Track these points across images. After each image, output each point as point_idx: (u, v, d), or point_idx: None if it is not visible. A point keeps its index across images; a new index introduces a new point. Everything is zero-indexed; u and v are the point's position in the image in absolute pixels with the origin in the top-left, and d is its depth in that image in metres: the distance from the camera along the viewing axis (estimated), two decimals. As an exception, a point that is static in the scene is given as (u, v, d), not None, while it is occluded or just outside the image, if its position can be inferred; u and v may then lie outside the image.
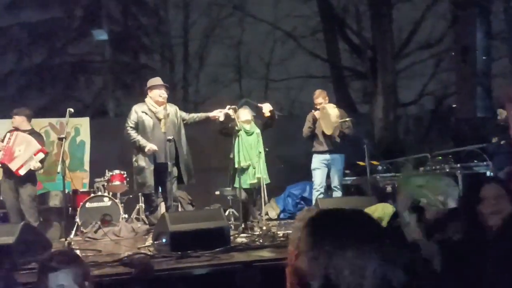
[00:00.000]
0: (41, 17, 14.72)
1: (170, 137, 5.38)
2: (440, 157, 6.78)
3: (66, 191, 5.88)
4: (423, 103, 15.78)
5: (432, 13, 13.95)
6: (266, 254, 4.13)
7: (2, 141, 5.77)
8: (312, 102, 6.31)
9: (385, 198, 6.58)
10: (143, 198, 6.21)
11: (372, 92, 13.19)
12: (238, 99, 16.44)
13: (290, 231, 4.89)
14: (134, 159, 5.53)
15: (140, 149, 5.42)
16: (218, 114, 5.71)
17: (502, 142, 5.99)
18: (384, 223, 3.80)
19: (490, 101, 8.79)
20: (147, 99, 5.64)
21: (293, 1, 16.51)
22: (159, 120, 5.53)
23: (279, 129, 8.38)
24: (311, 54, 16.32)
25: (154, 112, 5.54)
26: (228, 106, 5.78)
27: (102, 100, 15.05)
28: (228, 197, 6.86)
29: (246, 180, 5.84)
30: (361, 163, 6.84)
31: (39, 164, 5.75)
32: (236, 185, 5.89)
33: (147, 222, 5.99)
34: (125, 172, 6.62)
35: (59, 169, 4.94)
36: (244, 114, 5.93)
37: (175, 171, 5.53)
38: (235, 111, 5.78)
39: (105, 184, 6.68)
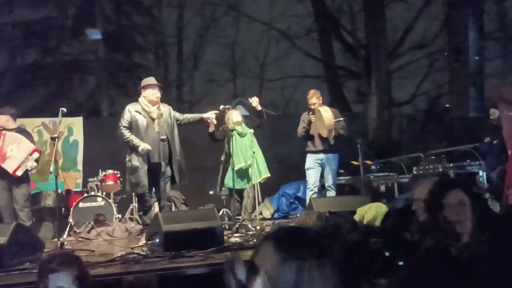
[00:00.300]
0: (34, 16, 14.65)
1: (164, 137, 5.37)
2: (433, 157, 6.81)
3: (59, 191, 5.84)
4: (416, 103, 15.88)
5: (426, 14, 14.04)
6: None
7: None
8: (307, 102, 6.31)
9: (379, 197, 6.62)
10: (136, 198, 6.19)
11: (366, 91, 13.24)
12: (233, 99, 16.48)
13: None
14: (127, 159, 5.51)
15: (134, 149, 5.41)
16: (212, 115, 5.70)
17: (494, 142, 6.03)
18: (377, 223, 3.82)
19: (483, 101, 8.84)
20: (141, 99, 5.62)
21: (287, 1, 16.57)
22: (153, 119, 5.52)
23: (274, 129, 8.40)
24: (306, 53, 16.38)
25: (148, 111, 5.53)
26: (221, 106, 5.78)
27: (96, 99, 15.00)
28: (222, 197, 6.85)
29: (240, 182, 5.86)
30: (355, 162, 6.85)
31: (35, 164, 5.73)
32: (226, 186, 5.91)
33: (140, 222, 5.98)
34: (118, 172, 6.60)
35: (51, 168, 4.90)
36: (235, 116, 5.93)
37: (168, 171, 5.52)
38: (228, 110, 5.79)
39: (99, 184, 6.65)
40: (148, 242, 4.53)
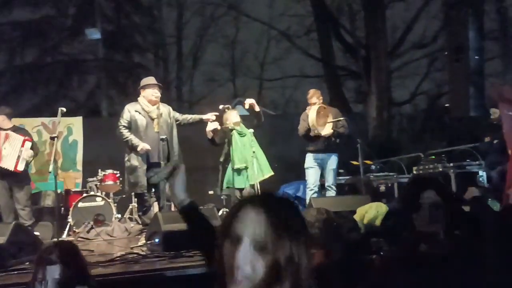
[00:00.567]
0: (34, 15, 14.64)
1: (164, 137, 5.36)
2: (433, 156, 6.80)
3: (59, 191, 5.83)
4: (416, 103, 15.89)
5: (426, 13, 14.03)
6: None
7: None
8: (307, 101, 6.30)
9: (379, 197, 6.60)
10: (135, 198, 6.18)
11: (365, 91, 13.23)
12: (233, 99, 16.46)
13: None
14: (126, 159, 5.50)
15: (133, 148, 5.39)
16: (212, 117, 5.69)
17: (494, 141, 6.02)
18: (377, 222, 3.81)
19: (483, 100, 8.84)
20: (140, 98, 5.61)
21: (287, 1, 16.56)
22: (152, 119, 5.51)
23: (274, 128, 8.40)
24: (305, 53, 16.38)
25: (147, 111, 5.52)
26: (221, 106, 5.76)
27: (95, 99, 14.98)
28: (222, 197, 6.84)
29: (241, 181, 5.84)
30: (354, 162, 6.84)
31: (31, 152, 5.73)
32: (226, 186, 5.89)
33: (140, 222, 5.96)
34: (118, 172, 6.58)
35: (50, 168, 4.88)
36: (234, 116, 5.92)
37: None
38: (228, 109, 5.78)
39: (98, 183, 6.63)
40: (148, 242, 4.52)
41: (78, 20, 14.72)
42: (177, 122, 5.74)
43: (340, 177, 7.35)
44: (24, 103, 13.87)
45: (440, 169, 6.19)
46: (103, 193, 6.51)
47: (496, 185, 5.53)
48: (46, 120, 8.21)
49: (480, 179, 6.01)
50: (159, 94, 5.61)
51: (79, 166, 8.12)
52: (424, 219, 1.92)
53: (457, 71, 9.27)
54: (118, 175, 6.59)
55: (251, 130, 5.96)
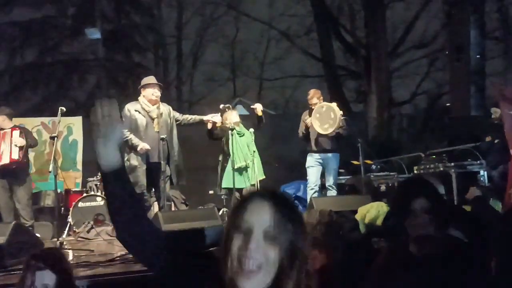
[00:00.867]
0: (34, 15, 14.62)
1: (163, 136, 5.34)
2: (434, 156, 6.79)
3: (59, 190, 5.83)
4: (416, 102, 15.87)
5: (426, 13, 14.02)
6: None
7: None
8: (307, 101, 6.29)
9: (379, 197, 6.58)
10: (136, 197, 6.16)
11: (366, 91, 13.22)
12: (233, 98, 16.46)
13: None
14: (126, 158, 5.47)
15: (133, 148, 5.37)
16: (212, 118, 5.69)
17: (495, 141, 6.01)
18: (378, 222, 3.80)
19: (483, 100, 8.82)
20: (141, 98, 5.59)
21: (287, 1, 16.57)
22: (152, 119, 5.48)
23: (274, 128, 8.38)
24: (306, 53, 16.36)
25: (147, 111, 5.50)
26: (221, 105, 5.76)
27: (95, 99, 14.95)
28: (222, 197, 6.82)
29: (241, 181, 5.83)
30: (355, 162, 6.83)
31: (20, 139, 5.75)
32: (225, 185, 5.89)
33: (140, 222, 5.94)
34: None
35: (50, 168, 4.88)
36: (233, 116, 5.93)
37: (168, 170, 5.50)
38: (229, 109, 5.79)
39: (98, 183, 6.62)
40: (148, 241, 4.50)
41: (78, 20, 14.70)
42: (177, 122, 5.73)
43: (341, 177, 7.33)
44: (24, 103, 13.86)
45: (441, 169, 6.18)
46: (103, 192, 6.50)
47: (498, 184, 5.52)
48: (46, 120, 8.20)
49: (481, 178, 6.00)
50: (159, 94, 5.59)
51: (79, 166, 8.11)
52: (416, 224, 1.94)
53: (457, 71, 9.26)
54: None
55: (251, 130, 5.96)
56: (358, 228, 3.96)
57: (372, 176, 7.39)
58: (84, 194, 6.37)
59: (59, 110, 5.09)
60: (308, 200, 5.92)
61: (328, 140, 6.10)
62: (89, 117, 1.33)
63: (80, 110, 12.49)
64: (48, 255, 2.29)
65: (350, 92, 16.27)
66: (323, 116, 5.97)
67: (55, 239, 4.83)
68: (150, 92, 5.53)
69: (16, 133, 5.78)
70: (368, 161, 7.73)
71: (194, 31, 17.96)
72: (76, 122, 8.28)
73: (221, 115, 5.87)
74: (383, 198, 6.51)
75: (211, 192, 7.05)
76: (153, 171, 5.39)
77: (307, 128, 6.11)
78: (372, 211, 3.85)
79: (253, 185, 5.89)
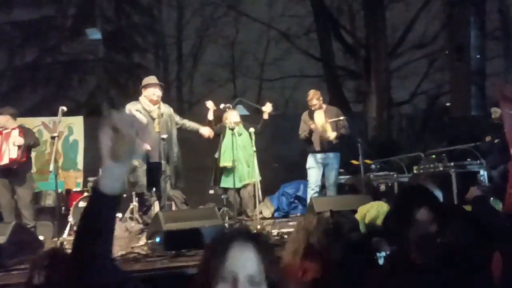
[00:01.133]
0: (34, 15, 14.61)
1: (164, 136, 5.35)
2: (434, 156, 6.78)
3: (59, 190, 5.83)
4: (416, 103, 15.86)
5: (426, 13, 14.02)
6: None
7: None
8: (306, 102, 6.29)
9: (379, 196, 6.58)
10: (136, 197, 6.17)
11: (365, 91, 13.22)
12: (233, 99, 16.44)
13: (285, 230, 4.88)
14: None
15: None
16: (208, 133, 5.76)
17: (496, 141, 6.01)
18: (378, 222, 3.80)
19: (484, 99, 8.82)
20: (141, 98, 5.60)
21: (287, 1, 16.54)
22: (153, 119, 5.50)
23: (273, 128, 8.37)
24: (305, 53, 16.35)
25: (148, 111, 5.51)
26: (222, 105, 5.77)
27: (96, 99, 14.96)
28: (222, 196, 6.83)
29: (227, 181, 5.89)
30: (355, 162, 6.83)
31: (19, 138, 5.75)
32: (223, 185, 5.92)
33: (140, 222, 5.96)
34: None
35: (51, 168, 4.88)
36: (233, 116, 5.95)
37: (168, 170, 5.51)
38: (229, 109, 5.81)
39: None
40: (149, 241, 4.51)
41: (78, 20, 14.69)
42: (177, 126, 5.75)
43: (340, 177, 7.33)
44: (24, 103, 13.84)
45: (441, 169, 6.19)
46: (82, 215, 6.48)
47: (498, 184, 5.52)
48: (46, 119, 8.21)
49: (481, 178, 6.00)
50: (160, 94, 5.60)
51: (80, 166, 8.12)
52: (419, 234, 1.94)
53: (458, 71, 9.25)
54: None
55: (252, 130, 5.97)
56: (358, 228, 3.96)
57: (371, 176, 7.40)
58: (85, 194, 6.37)
59: (60, 109, 5.09)
60: (308, 200, 5.93)
61: (329, 140, 6.11)
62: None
63: (81, 110, 12.52)
64: (55, 254, 2.30)
65: (349, 92, 16.26)
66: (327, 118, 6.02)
67: (56, 239, 4.83)
68: (151, 92, 5.54)
69: (15, 132, 5.79)
70: (368, 161, 7.74)
71: (194, 31, 17.96)
72: (77, 122, 8.29)
73: (221, 115, 5.90)
74: (383, 198, 6.52)
75: (211, 192, 7.05)
76: (153, 171, 5.40)
77: (311, 131, 6.08)
78: (372, 211, 3.85)
79: (246, 185, 5.94)
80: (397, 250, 2.06)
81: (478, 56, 8.92)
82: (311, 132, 6.09)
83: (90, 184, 6.79)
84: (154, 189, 5.66)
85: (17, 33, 14.57)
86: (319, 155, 6.17)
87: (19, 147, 5.73)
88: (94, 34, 13.54)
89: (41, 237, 4.97)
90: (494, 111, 6.02)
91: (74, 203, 6.19)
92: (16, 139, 5.74)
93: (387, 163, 8.45)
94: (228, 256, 1.13)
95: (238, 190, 6.08)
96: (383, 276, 2.05)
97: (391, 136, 12.20)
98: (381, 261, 2.51)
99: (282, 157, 8.34)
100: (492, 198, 3.97)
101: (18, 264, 3.84)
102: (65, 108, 5.11)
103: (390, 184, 7.32)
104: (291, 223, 5.77)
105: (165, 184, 5.36)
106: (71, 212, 6.09)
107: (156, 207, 5.77)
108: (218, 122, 6.11)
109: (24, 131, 5.91)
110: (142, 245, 4.60)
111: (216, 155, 6.08)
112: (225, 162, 5.83)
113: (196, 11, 17.46)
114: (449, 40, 10.04)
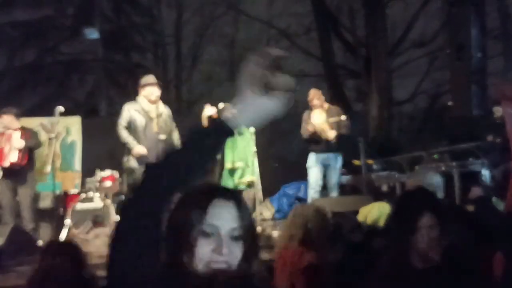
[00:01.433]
0: (33, 15, 14.58)
1: (163, 137, 5.29)
2: (436, 155, 6.75)
3: (57, 191, 5.79)
4: (416, 102, 15.84)
5: (426, 11, 13.98)
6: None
7: None
8: (307, 101, 6.25)
9: (381, 197, 6.55)
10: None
11: (366, 90, 13.19)
12: (232, 98, 16.39)
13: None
14: (125, 160, 5.43)
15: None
16: None
17: (497, 140, 5.98)
18: (380, 222, 3.76)
19: (485, 98, 8.77)
20: (140, 98, 5.54)
21: (287, 0, 16.49)
22: (151, 119, 5.44)
23: (273, 128, 8.32)
24: (305, 52, 16.29)
25: (146, 110, 5.45)
26: (221, 104, 5.73)
27: (95, 99, 14.94)
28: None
29: (240, 180, 5.83)
30: (356, 162, 6.79)
31: (20, 141, 5.71)
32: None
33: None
34: (117, 173, 6.53)
35: (49, 169, 4.85)
36: None
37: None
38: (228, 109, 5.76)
39: (97, 184, 6.58)
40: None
41: (77, 20, 14.67)
42: None
43: (342, 177, 7.30)
44: (24, 103, 13.80)
45: (443, 168, 6.15)
46: (102, 194, 6.45)
47: (500, 183, 5.48)
48: (44, 120, 8.16)
49: (483, 178, 5.96)
50: (158, 93, 5.54)
51: (78, 167, 8.07)
52: (422, 240, 1.90)
53: (459, 69, 9.20)
54: (117, 176, 6.54)
55: (252, 130, 5.93)
56: (359, 228, 3.93)
57: (373, 176, 7.36)
58: (83, 195, 6.33)
59: (57, 109, 5.05)
60: (309, 200, 5.89)
61: (330, 140, 6.07)
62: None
63: (79, 110, 12.47)
64: (65, 245, 2.32)
65: (350, 91, 16.22)
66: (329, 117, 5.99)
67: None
68: (150, 91, 5.48)
69: (17, 135, 5.74)
70: (369, 161, 7.70)
71: (193, 31, 17.91)
72: (75, 123, 8.24)
73: (219, 115, 5.85)
74: (385, 198, 6.49)
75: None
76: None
77: (314, 131, 6.03)
78: (373, 212, 3.82)
79: (246, 186, 5.91)
80: (397, 253, 2.02)
81: (479, 55, 8.87)
82: (314, 131, 6.06)
83: (88, 185, 6.75)
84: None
85: (17, 33, 14.54)
86: (320, 155, 6.12)
87: (19, 150, 5.69)
88: (93, 33, 13.53)
89: (40, 242, 4.94)
90: (496, 110, 5.98)
91: (72, 204, 6.14)
92: (17, 142, 5.69)
93: (389, 162, 8.42)
94: (207, 212, 1.14)
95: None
96: (382, 279, 2.01)
97: (392, 136, 12.17)
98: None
99: (282, 157, 8.30)
100: (494, 198, 3.94)
101: (16, 265, 3.81)
102: (62, 108, 5.07)
103: (392, 184, 7.29)
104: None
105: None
106: (68, 214, 6.05)
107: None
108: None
109: (27, 133, 5.85)
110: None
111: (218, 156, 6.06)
112: (225, 162, 5.79)
113: (195, 10, 17.43)
114: (450, 39, 9.99)
